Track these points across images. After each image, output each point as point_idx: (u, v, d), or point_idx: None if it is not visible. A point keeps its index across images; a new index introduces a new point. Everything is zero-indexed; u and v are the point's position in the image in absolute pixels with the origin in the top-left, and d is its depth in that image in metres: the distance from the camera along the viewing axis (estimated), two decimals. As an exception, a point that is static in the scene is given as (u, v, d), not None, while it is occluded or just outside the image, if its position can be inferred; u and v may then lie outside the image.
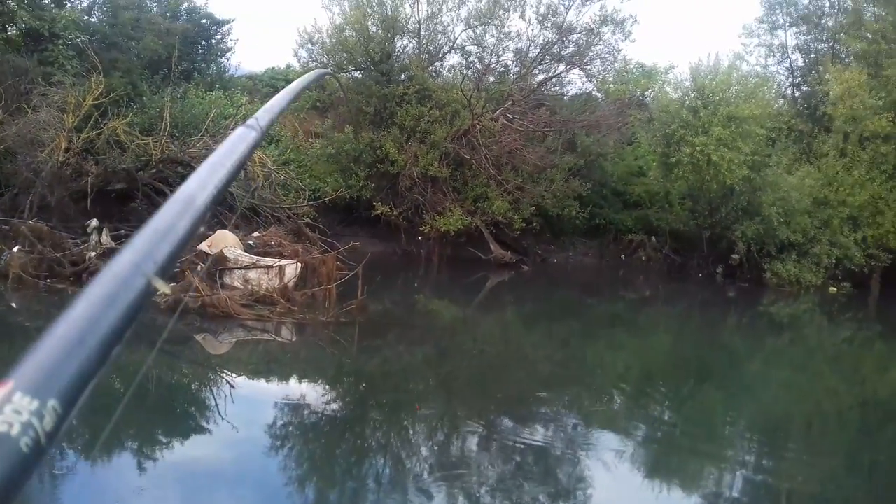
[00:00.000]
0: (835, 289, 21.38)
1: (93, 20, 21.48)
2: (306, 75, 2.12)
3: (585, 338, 13.88)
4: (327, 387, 9.21)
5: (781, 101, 25.94)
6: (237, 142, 1.24)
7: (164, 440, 6.67)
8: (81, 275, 11.46)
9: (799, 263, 21.01)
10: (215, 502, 5.56)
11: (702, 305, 19.71)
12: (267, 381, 9.30)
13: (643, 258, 23.76)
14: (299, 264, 11.12)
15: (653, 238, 23.84)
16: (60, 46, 18.59)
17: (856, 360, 14.65)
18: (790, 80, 27.52)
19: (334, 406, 8.42)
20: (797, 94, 27.28)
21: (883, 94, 21.53)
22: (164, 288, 0.74)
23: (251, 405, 7.82)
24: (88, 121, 14.69)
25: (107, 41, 20.56)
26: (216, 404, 7.73)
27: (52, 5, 19.90)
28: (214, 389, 8.52)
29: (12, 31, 18.48)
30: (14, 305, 11.25)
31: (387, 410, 8.29)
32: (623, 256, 24.00)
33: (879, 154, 21.86)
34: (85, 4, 21.42)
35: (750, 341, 15.12)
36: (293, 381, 9.32)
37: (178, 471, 6.00)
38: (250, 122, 1.35)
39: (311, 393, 8.61)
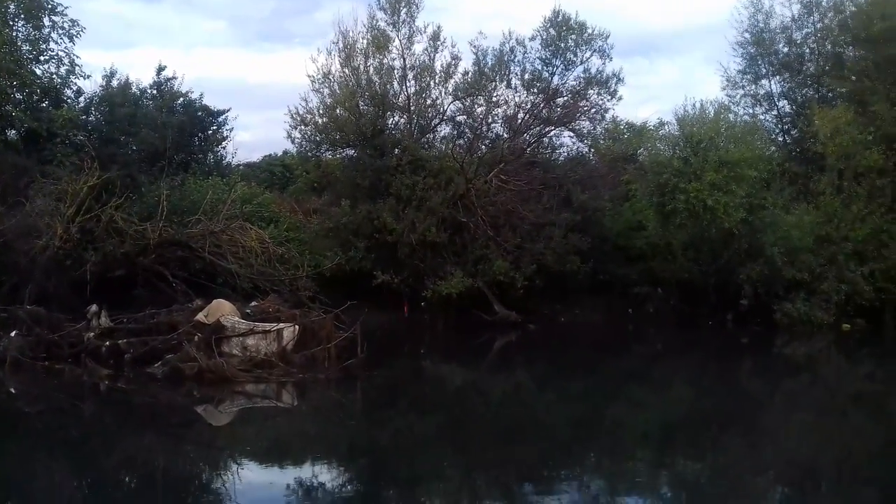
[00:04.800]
0: (848, 326, 21.01)
1: (90, 119, 22.03)
2: None
3: (602, 396, 13.29)
4: (339, 462, 8.64)
5: (773, 148, 26.14)
6: None
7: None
8: (80, 355, 11.32)
9: (808, 302, 20.69)
10: None
11: (716, 353, 19.29)
12: (274, 461, 8.68)
13: (651, 311, 23.44)
14: (297, 327, 10.99)
15: (659, 290, 23.57)
16: (59, 145, 18.98)
17: (881, 397, 14.04)
18: (780, 126, 27.84)
19: (347, 483, 7.92)
20: (788, 139, 27.54)
21: (872, 129, 21.79)
22: None
23: (262, 489, 7.37)
24: (84, 208, 14.83)
25: (104, 137, 21.03)
26: (226, 493, 7.34)
27: (49, 107, 20.41)
28: (222, 475, 8.02)
29: (12, 134, 18.89)
30: (13, 391, 11.07)
31: (403, 484, 7.78)
32: (631, 310, 23.69)
33: (876, 188, 21.98)
34: (82, 104, 21.99)
35: (769, 386, 14.70)
36: (302, 457, 8.80)
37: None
38: None
39: (322, 471, 8.11)
